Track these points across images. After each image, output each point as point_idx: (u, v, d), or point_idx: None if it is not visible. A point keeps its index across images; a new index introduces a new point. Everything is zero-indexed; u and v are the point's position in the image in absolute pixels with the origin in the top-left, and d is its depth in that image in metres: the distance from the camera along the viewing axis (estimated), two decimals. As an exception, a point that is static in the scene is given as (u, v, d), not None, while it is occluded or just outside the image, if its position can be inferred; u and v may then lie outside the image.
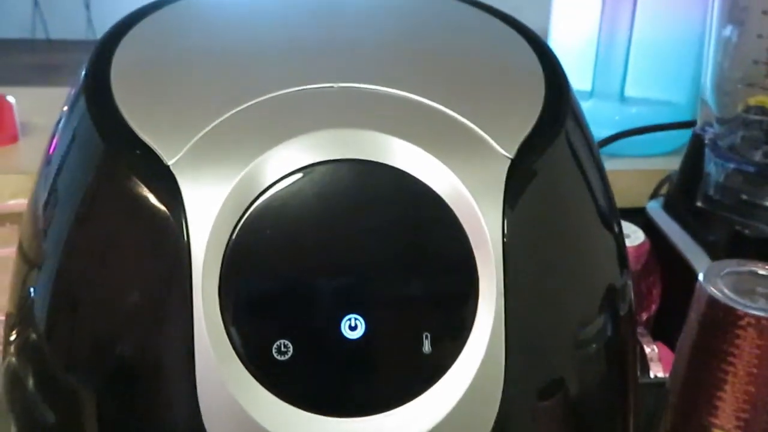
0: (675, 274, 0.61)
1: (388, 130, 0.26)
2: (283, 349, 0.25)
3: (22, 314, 0.30)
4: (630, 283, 0.34)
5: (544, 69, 0.31)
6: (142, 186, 0.26)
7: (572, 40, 0.75)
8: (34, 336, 0.30)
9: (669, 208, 0.63)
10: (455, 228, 0.26)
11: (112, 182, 0.28)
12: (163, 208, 0.26)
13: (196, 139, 0.26)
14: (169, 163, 0.26)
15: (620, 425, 0.33)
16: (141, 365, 0.27)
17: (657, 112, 0.72)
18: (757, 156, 0.57)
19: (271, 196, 0.25)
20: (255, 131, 0.26)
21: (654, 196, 0.67)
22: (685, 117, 0.70)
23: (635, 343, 0.35)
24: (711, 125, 0.58)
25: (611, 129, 0.72)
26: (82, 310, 0.28)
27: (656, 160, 0.71)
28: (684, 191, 0.60)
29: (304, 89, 0.28)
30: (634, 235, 0.60)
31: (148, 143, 0.26)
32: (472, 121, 0.27)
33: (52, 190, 0.30)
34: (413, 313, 0.26)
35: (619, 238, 0.33)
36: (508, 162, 0.27)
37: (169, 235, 0.25)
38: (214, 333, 0.25)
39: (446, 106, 0.28)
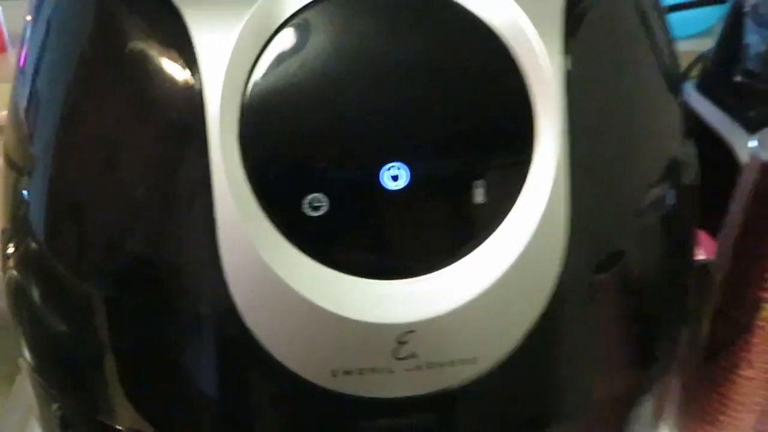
0: (712, 158, 0.58)
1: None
2: (315, 204, 0.22)
3: (17, 224, 0.28)
4: (695, 152, 0.30)
5: None
6: (145, 30, 0.23)
7: None
8: (33, 245, 0.27)
9: (703, 88, 0.59)
10: (507, 61, 0.22)
11: (110, 27, 0.24)
12: (171, 54, 0.22)
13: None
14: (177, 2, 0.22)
15: (679, 298, 0.31)
16: (156, 248, 0.24)
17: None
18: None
19: (293, 26, 0.22)
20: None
21: (684, 77, 0.63)
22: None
23: (697, 216, 0.32)
24: (751, -8, 0.53)
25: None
26: (85, 198, 0.25)
27: (685, 43, 0.67)
28: (721, 67, 0.56)
29: None
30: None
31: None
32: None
33: (34, 88, 0.27)
34: (462, 159, 0.22)
35: (683, 103, 0.30)
36: (565, -13, 0.23)
37: (178, 83, 0.22)
38: (237, 190, 0.22)
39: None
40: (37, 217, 0.26)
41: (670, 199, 0.28)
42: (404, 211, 0.22)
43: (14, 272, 0.29)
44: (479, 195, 0.22)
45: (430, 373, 0.23)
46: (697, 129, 0.59)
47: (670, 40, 0.29)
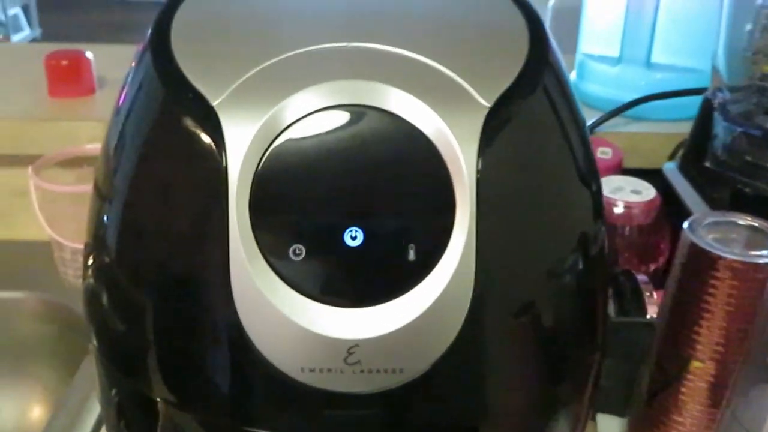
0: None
1: (386, 81, 0.33)
2: (297, 251, 0.32)
3: (97, 242, 0.38)
4: (603, 230, 0.39)
5: (530, 31, 0.37)
6: (192, 122, 0.33)
7: (602, 8, 0.79)
8: (107, 259, 0.37)
9: (682, 168, 0.67)
10: (437, 161, 0.32)
11: (168, 119, 0.35)
12: (207, 139, 0.33)
13: (235, 85, 0.33)
14: (214, 103, 0.33)
15: (585, 348, 0.39)
16: (189, 272, 0.34)
17: (682, 79, 0.76)
18: (767, 122, 0.61)
19: (291, 131, 0.32)
20: (282, 80, 0.33)
21: (672, 157, 0.71)
22: (708, 83, 0.73)
23: (604, 282, 0.41)
24: (721, 90, 0.62)
25: (637, 93, 0.76)
26: (143, 230, 0.36)
27: (678, 125, 0.76)
28: (694, 152, 0.64)
29: (324, 47, 0.34)
30: (645, 192, 0.65)
31: (197, 88, 0.33)
32: (459, 75, 0.34)
33: (121, 134, 0.37)
34: (401, 228, 0.32)
35: (596, 192, 0.39)
36: (486, 110, 0.33)
37: (211, 162, 0.32)
38: (246, 239, 0.32)
39: (437, 62, 0.34)
40: (111, 237, 0.37)
41: (575, 265, 0.37)
42: (359, 261, 0.32)
43: (91, 280, 0.39)
44: (411, 254, 0.32)
45: (371, 377, 0.33)
46: (676, 203, 0.67)
47: (586, 142, 0.38)
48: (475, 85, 0.33)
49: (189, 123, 0.33)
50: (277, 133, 0.32)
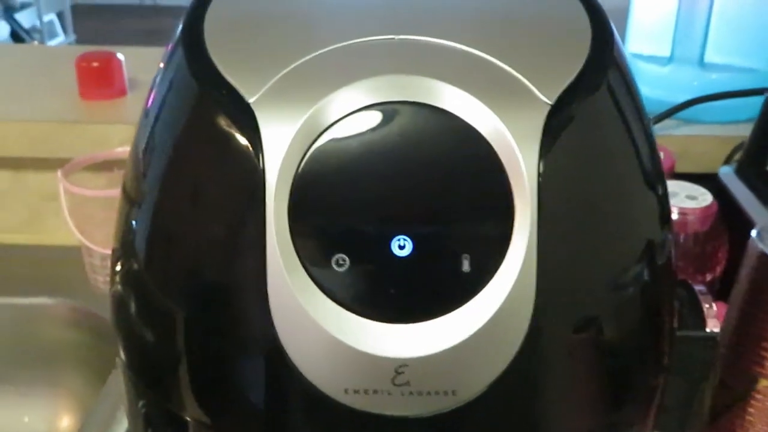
0: (743, 238, 0.62)
1: (439, 76, 0.30)
2: (340, 261, 0.29)
3: (125, 248, 0.36)
4: (670, 238, 0.36)
5: (593, 24, 0.34)
6: (227, 120, 0.31)
7: (653, 6, 0.75)
8: (135, 266, 0.35)
9: (740, 173, 0.63)
10: (495, 164, 0.29)
11: (202, 118, 0.32)
12: (243, 139, 0.30)
13: (273, 80, 0.30)
14: (250, 101, 0.30)
15: (651, 370, 0.36)
16: (223, 282, 0.32)
17: (737, 79, 0.72)
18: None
19: (333, 130, 0.29)
20: (323, 75, 0.30)
21: (728, 161, 0.67)
22: (765, 83, 0.70)
23: (672, 295, 0.38)
24: (785, 90, 0.58)
25: (690, 94, 0.72)
26: (174, 235, 0.33)
27: (733, 127, 0.72)
28: (755, 156, 0.61)
29: (368, 40, 0.32)
30: (701, 197, 0.61)
31: (233, 84, 0.31)
32: (517, 71, 0.31)
33: (151, 135, 0.35)
34: (454, 236, 0.29)
35: (662, 196, 0.35)
36: (548, 107, 0.30)
37: (247, 164, 0.30)
38: (284, 247, 0.29)
39: (494, 56, 0.31)
40: (140, 243, 0.35)
41: (642, 277, 0.34)
42: (407, 272, 0.29)
43: (119, 287, 0.37)
44: (466, 265, 0.29)
45: (420, 399, 0.30)
46: (734, 210, 0.64)
47: (653, 144, 0.35)
48: (534, 81, 0.31)
49: (223, 122, 0.31)
50: (318, 132, 0.29)
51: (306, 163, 0.29)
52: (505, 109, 0.30)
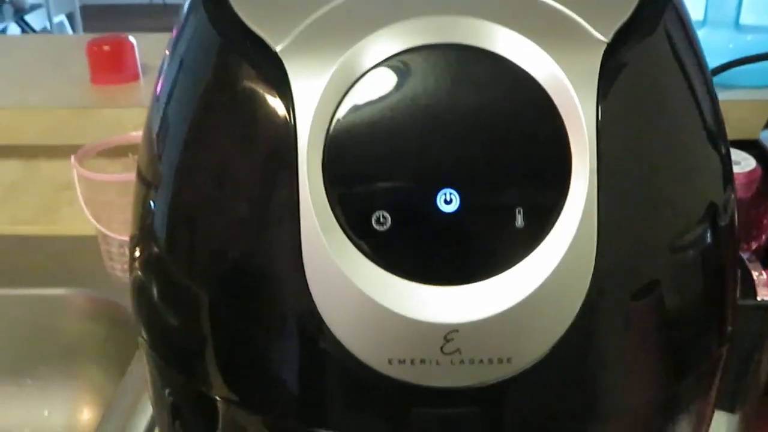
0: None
1: (486, 16, 0.27)
2: (381, 219, 0.26)
3: (143, 233, 0.33)
4: (733, 199, 0.33)
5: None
6: (253, 72, 0.28)
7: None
8: (155, 250, 0.32)
9: (783, 137, 0.60)
10: (549, 110, 0.27)
11: (224, 74, 0.30)
12: (271, 92, 0.28)
13: (302, 26, 0.28)
14: (277, 49, 0.27)
15: (714, 339, 0.33)
16: (254, 251, 0.29)
17: (775, 40, 0.69)
18: None
19: (370, 77, 0.27)
20: (357, 18, 0.28)
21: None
22: (805, 44, 0.66)
23: (735, 259, 0.35)
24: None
25: (725, 58, 0.69)
26: (196, 213, 0.31)
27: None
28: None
29: (404, -20, 0.29)
30: (744, 162, 0.58)
31: (258, 33, 0.28)
32: (569, 8, 0.28)
33: (166, 110, 0.32)
34: (506, 189, 0.27)
35: (725, 155, 0.33)
36: (604, 45, 0.27)
37: (276, 118, 0.27)
38: (319, 205, 0.27)
39: (543, -7, 0.28)
40: (159, 226, 0.32)
41: (705, 239, 0.31)
42: (455, 230, 0.27)
43: (138, 273, 0.35)
44: (519, 220, 0.27)
45: (472, 368, 0.27)
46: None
47: (714, 96, 0.32)
48: (586, 18, 0.28)
49: (249, 75, 0.29)
50: (353, 80, 0.27)
51: (341, 115, 0.27)
52: (558, 49, 0.27)
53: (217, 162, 0.30)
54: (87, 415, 0.71)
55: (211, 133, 0.30)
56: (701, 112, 0.32)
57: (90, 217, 0.68)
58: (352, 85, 0.27)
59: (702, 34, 0.72)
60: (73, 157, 0.68)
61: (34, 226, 0.81)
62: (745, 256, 0.53)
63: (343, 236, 0.27)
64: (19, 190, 0.81)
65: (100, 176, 0.68)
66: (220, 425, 0.33)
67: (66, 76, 0.84)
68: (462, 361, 0.27)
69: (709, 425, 0.37)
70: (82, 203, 0.68)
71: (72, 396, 0.71)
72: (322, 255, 0.27)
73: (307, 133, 0.27)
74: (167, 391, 0.35)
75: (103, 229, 0.69)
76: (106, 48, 0.79)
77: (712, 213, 0.32)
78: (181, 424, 0.36)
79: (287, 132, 0.27)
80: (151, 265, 0.33)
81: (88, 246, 0.73)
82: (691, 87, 0.31)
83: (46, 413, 0.72)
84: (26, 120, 0.76)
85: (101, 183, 0.68)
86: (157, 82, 0.34)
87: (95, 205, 0.69)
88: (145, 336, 0.35)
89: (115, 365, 0.68)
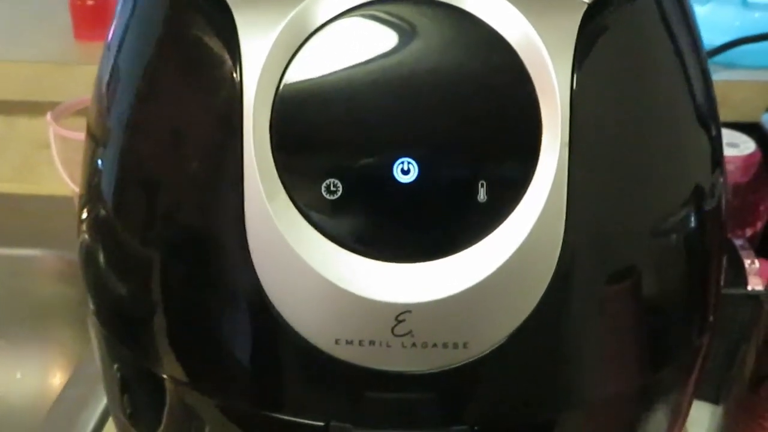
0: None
1: (452, -33, 0.25)
2: (332, 188, 0.24)
3: (91, 192, 0.31)
4: (721, 182, 0.31)
5: None
6: (202, 22, 0.26)
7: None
8: (102, 211, 0.30)
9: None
10: (520, 74, 0.24)
11: (170, 26, 0.28)
12: (220, 44, 0.25)
13: (254, -26, 0.25)
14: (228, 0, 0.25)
15: (694, 328, 0.31)
16: (196, 218, 0.27)
17: (783, 19, 0.66)
18: None
19: (324, 33, 0.25)
20: (314, -33, 0.25)
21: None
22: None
23: (721, 247, 0.32)
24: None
25: (731, 36, 0.66)
26: (142, 172, 0.29)
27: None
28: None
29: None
30: (743, 145, 0.56)
31: (208, -20, 0.26)
32: (547, -36, 0.25)
33: (115, 64, 0.30)
34: (469, 160, 0.24)
35: (715, 136, 0.30)
36: (584, 6, 0.25)
37: (224, 72, 0.25)
38: (264, 169, 0.24)
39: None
40: (107, 185, 0.30)
41: (687, 222, 0.29)
42: (411, 202, 0.24)
43: (86, 236, 0.32)
44: (482, 194, 0.24)
45: (425, 352, 0.25)
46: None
47: (706, 75, 0.30)
48: (567, -25, 0.25)
49: (197, 26, 0.26)
50: (306, 36, 0.25)
51: (291, 73, 0.25)
52: (533, 7, 0.24)
53: (162, 119, 0.28)
54: (59, 379, 0.69)
55: (157, 88, 0.28)
56: (690, 88, 0.29)
57: (65, 177, 0.66)
58: (305, 42, 0.25)
59: (707, 11, 0.69)
60: (49, 114, 0.65)
61: (11, 183, 0.79)
62: (738, 242, 0.51)
63: (290, 204, 0.25)
64: (-2, 147, 0.79)
65: (77, 135, 0.65)
66: (168, 405, 0.31)
67: (48, 29, 0.81)
68: (414, 345, 0.25)
69: (685, 419, 0.35)
70: (58, 163, 0.65)
71: (44, 359, 0.70)
72: (266, 223, 0.25)
73: (254, 90, 0.24)
74: (115, 366, 0.33)
75: (78, 190, 0.67)
76: (89, 2, 0.76)
77: (696, 196, 0.29)
78: (129, 399, 0.34)
79: (233, 89, 0.25)
80: (96, 227, 0.31)
81: (64, 206, 0.71)
82: (680, 60, 0.29)
83: (18, 376, 0.70)
84: (6, 74, 0.73)
85: (78, 142, 0.65)
86: (109, 31, 0.31)
87: (72, 165, 0.66)
88: (92, 307, 0.33)
89: (87, 328, 0.67)
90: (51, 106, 0.68)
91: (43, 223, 0.73)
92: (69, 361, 0.69)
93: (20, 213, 0.75)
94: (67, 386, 0.54)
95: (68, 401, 0.53)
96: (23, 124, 0.78)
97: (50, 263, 0.69)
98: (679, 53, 0.29)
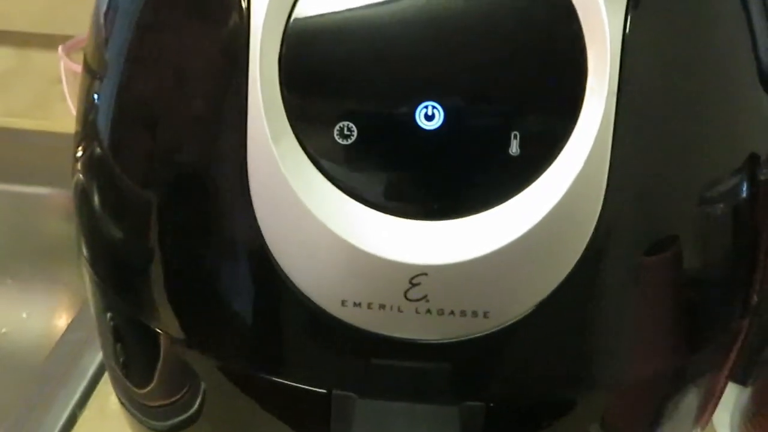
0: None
1: None
2: (346, 131, 0.22)
3: (87, 128, 0.29)
4: None
5: None
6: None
7: None
8: (98, 149, 0.28)
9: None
10: (565, 12, 0.21)
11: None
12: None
13: None
14: None
15: (736, 309, 0.29)
16: (196, 160, 0.24)
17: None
18: None
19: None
20: None
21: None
22: None
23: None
24: None
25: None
26: (142, 108, 0.26)
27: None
28: None
29: None
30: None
31: None
32: None
33: None
34: (502, 107, 0.22)
35: None
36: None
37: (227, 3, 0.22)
38: (271, 109, 0.22)
39: None
40: (103, 121, 0.28)
41: (737, 193, 0.26)
42: (434, 152, 0.22)
43: (80, 176, 0.30)
44: (515, 147, 0.22)
45: (440, 320, 0.23)
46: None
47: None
48: None
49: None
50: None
51: (302, 3, 0.22)
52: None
53: (162, 50, 0.25)
54: (65, 321, 0.68)
55: (157, 17, 0.25)
56: (755, 43, 0.26)
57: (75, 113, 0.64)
58: (322, -37, 0.22)
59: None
60: (60, 48, 0.63)
61: (23, 119, 0.77)
62: None
63: (298, 147, 0.22)
64: (10, 81, 0.77)
65: (90, 71, 0.63)
66: (161, 360, 0.29)
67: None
68: (429, 311, 0.23)
69: (716, 404, 0.32)
70: (68, 98, 0.63)
71: (51, 299, 0.68)
72: (270, 168, 0.22)
73: (262, 20, 0.22)
74: (108, 315, 0.31)
75: (90, 128, 0.64)
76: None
77: (750, 163, 0.26)
78: (122, 349, 0.32)
79: (240, 21, 0.22)
80: (91, 166, 0.29)
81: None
82: (746, 10, 0.25)
83: (24, 315, 0.69)
84: (18, 4, 0.71)
85: (91, 78, 0.63)
86: None
87: (84, 102, 0.64)
88: (84, 250, 0.31)
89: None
90: (64, 39, 0.66)
91: (53, 160, 0.70)
92: (76, 303, 0.68)
93: (31, 149, 0.73)
94: (69, 330, 0.53)
95: (69, 345, 0.51)
96: (37, 58, 0.75)
97: (60, 201, 0.67)
98: (746, 2, 0.25)
